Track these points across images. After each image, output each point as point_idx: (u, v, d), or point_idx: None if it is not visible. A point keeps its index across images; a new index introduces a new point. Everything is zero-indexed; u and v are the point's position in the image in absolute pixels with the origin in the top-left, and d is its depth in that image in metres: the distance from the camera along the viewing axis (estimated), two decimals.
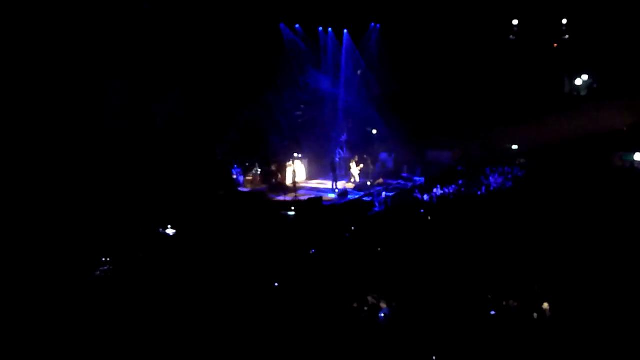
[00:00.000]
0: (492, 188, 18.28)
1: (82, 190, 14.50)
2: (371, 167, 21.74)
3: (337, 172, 20.90)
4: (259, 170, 20.89)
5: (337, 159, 22.04)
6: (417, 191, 18.88)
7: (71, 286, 9.91)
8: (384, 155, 24.02)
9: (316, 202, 17.04)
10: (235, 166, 20.30)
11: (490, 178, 19.56)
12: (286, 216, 16.37)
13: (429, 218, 14.76)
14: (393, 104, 23.57)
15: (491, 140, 23.13)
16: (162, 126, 17.79)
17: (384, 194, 19.24)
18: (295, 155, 21.70)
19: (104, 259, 11.43)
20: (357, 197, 19.14)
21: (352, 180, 21.17)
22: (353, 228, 14.41)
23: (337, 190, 19.71)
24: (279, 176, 20.69)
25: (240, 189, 19.57)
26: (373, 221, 15.78)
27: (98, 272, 10.99)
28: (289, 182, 20.44)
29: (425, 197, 17.70)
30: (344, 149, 23.58)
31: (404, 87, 23.55)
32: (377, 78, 24.38)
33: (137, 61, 17.02)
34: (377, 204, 18.18)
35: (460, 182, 19.15)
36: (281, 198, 18.36)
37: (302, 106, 24.15)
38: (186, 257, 11.72)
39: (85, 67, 15.64)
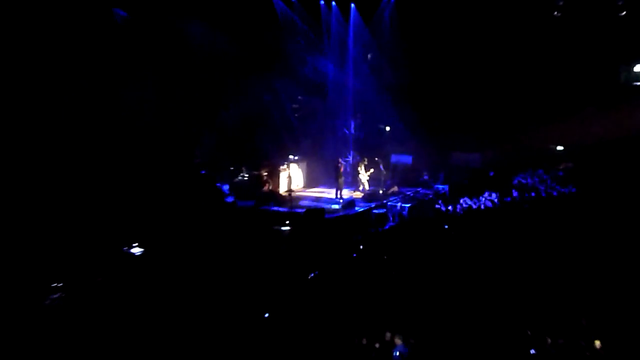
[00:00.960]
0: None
1: (28, 200, 14.42)
2: (383, 172, 21.75)
3: (343, 178, 20.82)
4: (246, 175, 20.82)
5: (342, 162, 22.00)
6: (440, 202, 18.85)
7: (14, 318, 9.81)
8: (399, 158, 23.97)
9: (316, 214, 17.10)
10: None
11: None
12: (280, 232, 16.34)
13: (454, 235, 14.72)
14: (410, 95, 23.58)
15: (529, 140, 23.02)
16: (128, 121, 17.71)
17: (399, 205, 19.22)
18: (291, 157, 21.71)
19: (54, 285, 11.35)
20: (366, 208, 19.18)
21: (361, 188, 21.19)
22: (362, 246, 14.39)
23: (342, 201, 19.72)
24: (271, 183, 20.64)
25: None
26: (386, 238, 15.73)
27: (48, 301, 10.91)
28: (282, 190, 20.39)
29: (450, 209, 17.65)
30: (351, 151, 23.56)
31: (423, 76, 23.51)
32: (391, 64, 24.35)
33: (98, 42, 16.96)
34: (391, 217, 18.15)
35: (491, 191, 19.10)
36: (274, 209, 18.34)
37: (300, 97, 24.18)
38: (155, 282, 11.67)
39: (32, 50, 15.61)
